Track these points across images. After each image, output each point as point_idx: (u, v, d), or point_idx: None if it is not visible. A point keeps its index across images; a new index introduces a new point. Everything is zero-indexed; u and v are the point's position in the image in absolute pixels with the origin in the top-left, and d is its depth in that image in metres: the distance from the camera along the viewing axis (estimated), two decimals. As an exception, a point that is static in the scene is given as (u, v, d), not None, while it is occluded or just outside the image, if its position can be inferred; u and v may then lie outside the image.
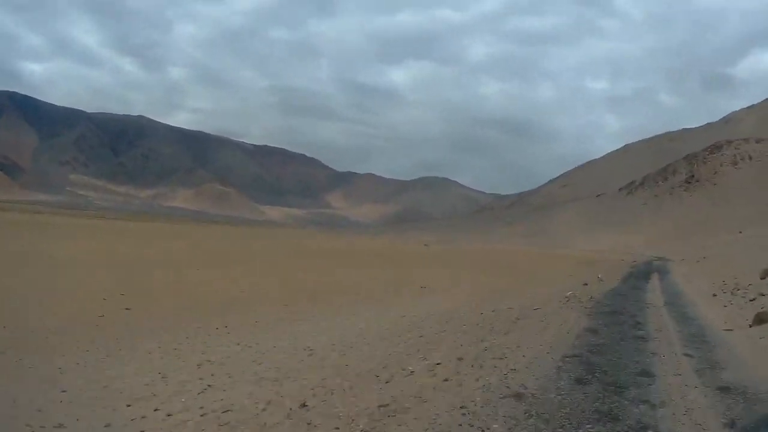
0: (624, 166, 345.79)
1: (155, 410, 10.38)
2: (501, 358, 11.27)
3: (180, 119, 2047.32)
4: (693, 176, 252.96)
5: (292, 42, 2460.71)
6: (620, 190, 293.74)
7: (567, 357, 11.07)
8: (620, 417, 7.75)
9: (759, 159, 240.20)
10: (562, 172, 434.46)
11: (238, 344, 16.03)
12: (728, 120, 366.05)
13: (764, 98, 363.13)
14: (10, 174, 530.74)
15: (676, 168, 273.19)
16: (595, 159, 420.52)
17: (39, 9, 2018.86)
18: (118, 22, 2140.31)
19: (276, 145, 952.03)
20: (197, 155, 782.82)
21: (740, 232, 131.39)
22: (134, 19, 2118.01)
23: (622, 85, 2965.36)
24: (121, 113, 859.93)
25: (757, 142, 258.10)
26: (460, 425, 7.54)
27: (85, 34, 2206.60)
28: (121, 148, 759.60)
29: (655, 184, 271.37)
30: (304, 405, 9.64)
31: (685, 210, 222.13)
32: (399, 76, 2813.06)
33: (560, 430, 7.34)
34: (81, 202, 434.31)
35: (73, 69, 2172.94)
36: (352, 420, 8.43)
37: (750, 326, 15.18)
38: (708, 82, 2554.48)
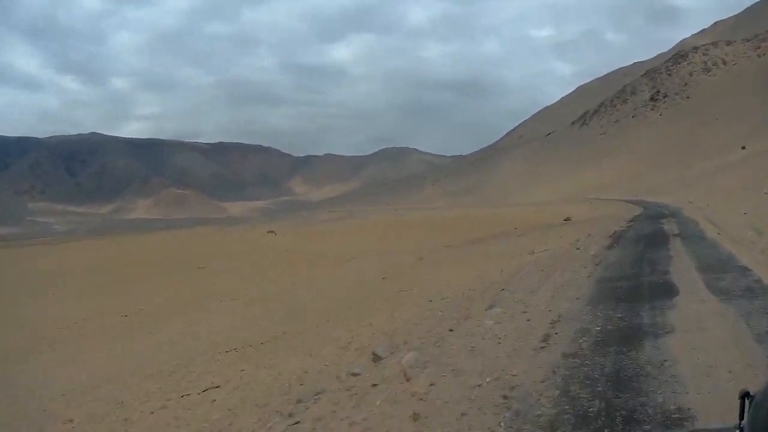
0: (580, 106, 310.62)
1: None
2: None
3: (132, 129, 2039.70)
4: (658, 92, 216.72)
5: (230, 34, 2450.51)
6: (572, 123, 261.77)
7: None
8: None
9: (735, 62, 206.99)
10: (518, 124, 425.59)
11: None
12: (680, 48, 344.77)
13: (713, 22, 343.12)
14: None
15: (636, 86, 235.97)
16: (549, 105, 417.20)
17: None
18: (54, 42, 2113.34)
19: (231, 141, 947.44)
20: (151, 163, 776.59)
21: (743, 148, 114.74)
22: (69, 36, 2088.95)
23: (567, 29, 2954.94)
24: (74, 133, 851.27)
25: (728, 44, 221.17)
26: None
27: (24, 58, 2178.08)
28: (76, 169, 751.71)
29: (612, 108, 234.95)
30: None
31: (656, 133, 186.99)
32: (342, 52, 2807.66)
33: None
34: (41, 230, 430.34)
35: (17, 96, 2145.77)
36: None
37: None
38: (652, 15, 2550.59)
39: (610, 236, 27.24)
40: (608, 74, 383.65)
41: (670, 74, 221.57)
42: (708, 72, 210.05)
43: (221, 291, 30.43)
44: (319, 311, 20.90)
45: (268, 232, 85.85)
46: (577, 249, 23.47)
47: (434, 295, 18.63)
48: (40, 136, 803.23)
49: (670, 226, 29.75)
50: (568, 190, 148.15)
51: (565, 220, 52.97)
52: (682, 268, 15.57)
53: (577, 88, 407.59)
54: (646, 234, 27.50)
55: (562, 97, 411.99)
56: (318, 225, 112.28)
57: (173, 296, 30.68)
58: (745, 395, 2.91)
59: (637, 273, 15.54)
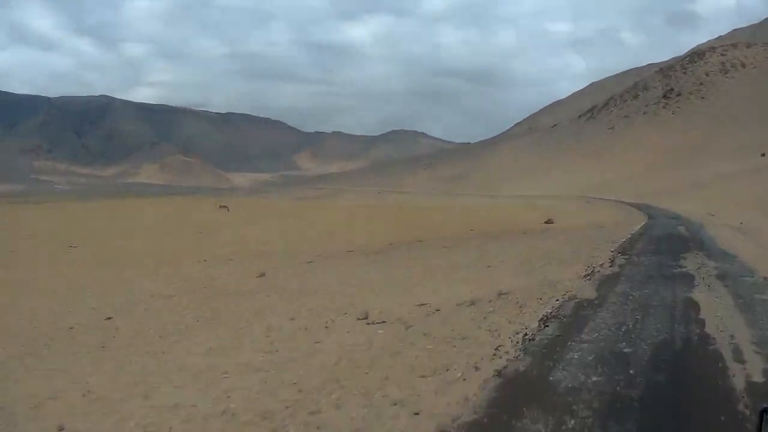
0: (590, 101, 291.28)
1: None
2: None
3: (142, 95, 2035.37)
4: (672, 89, 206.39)
5: (247, 7, 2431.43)
6: (579, 117, 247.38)
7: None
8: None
9: (754, 65, 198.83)
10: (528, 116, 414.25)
11: None
12: (695, 52, 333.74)
13: (731, 29, 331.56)
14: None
15: (648, 83, 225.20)
16: (561, 99, 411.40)
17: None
18: (70, 3, 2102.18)
19: (240, 112, 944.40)
20: (160, 129, 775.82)
21: (763, 155, 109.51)
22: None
23: (585, 26, 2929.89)
24: (84, 95, 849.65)
25: (748, 47, 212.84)
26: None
27: (39, 19, 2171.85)
28: (85, 130, 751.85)
29: (623, 102, 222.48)
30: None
31: (667, 131, 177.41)
32: (357, 32, 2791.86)
33: None
34: (43, 189, 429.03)
35: (30, 55, 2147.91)
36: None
37: None
38: (671, 18, 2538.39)
39: (585, 277, 17.01)
40: (622, 72, 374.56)
41: (685, 72, 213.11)
42: (725, 73, 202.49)
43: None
44: None
45: (219, 207, 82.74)
46: (488, 315, 12.64)
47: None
48: (50, 96, 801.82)
49: (704, 278, 16.55)
50: (567, 185, 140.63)
51: (545, 222, 46.78)
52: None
53: (589, 84, 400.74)
54: (658, 294, 14.33)
55: (574, 92, 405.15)
56: (286, 203, 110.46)
57: None
58: (764, 410, 3.33)
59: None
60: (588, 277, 16.93)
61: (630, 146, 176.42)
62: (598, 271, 18.01)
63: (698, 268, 18.39)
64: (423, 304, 15.13)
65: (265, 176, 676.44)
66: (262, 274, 24.02)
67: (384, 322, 13.55)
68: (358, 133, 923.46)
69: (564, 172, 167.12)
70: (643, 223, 40.19)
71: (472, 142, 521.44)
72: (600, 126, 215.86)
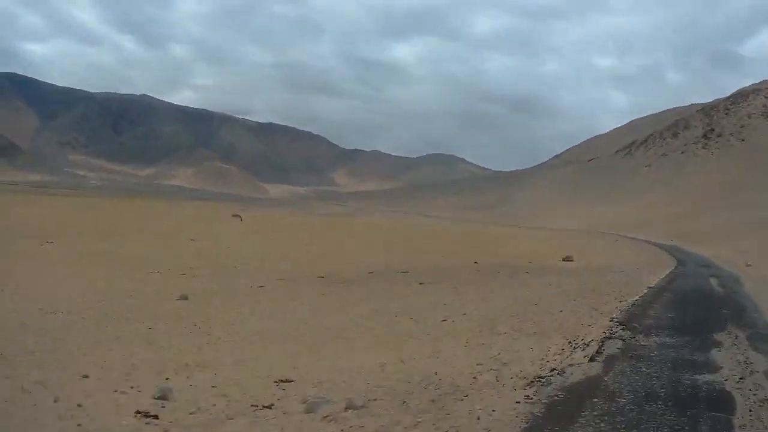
0: (630, 137, 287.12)
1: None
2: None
3: (184, 97, 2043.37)
4: (712, 130, 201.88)
5: (295, 17, 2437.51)
6: (617, 152, 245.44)
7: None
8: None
9: None
10: (567, 149, 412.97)
11: None
12: (739, 93, 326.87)
13: None
14: (9, 155, 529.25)
15: (689, 121, 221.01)
16: (600, 134, 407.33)
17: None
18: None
19: (281, 122, 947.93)
20: (199, 133, 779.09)
21: None
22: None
23: (629, 61, 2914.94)
24: (125, 92, 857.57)
25: None
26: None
27: (84, 12, 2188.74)
28: (123, 128, 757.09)
29: (662, 140, 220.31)
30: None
31: (705, 172, 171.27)
32: (403, 51, 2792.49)
33: None
34: (77, 182, 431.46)
35: (73, 48, 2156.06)
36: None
37: None
38: (715, 59, 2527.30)
39: (533, 384, 10.44)
40: (663, 111, 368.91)
41: (727, 113, 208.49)
42: None
43: None
44: None
45: (233, 215, 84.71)
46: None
47: None
48: (91, 90, 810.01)
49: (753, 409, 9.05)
50: (599, 221, 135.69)
51: (564, 260, 41.53)
52: None
53: (629, 122, 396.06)
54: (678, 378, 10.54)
55: (614, 128, 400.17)
56: (303, 217, 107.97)
57: None
58: None
59: None
60: (541, 383, 10.22)
61: (666, 185, 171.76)
62: (568, 368, 11.23)
63: (741, 380, 10.47)
64: (283, 381, 10.91)
65: (301, 189, 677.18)
66: (185, 297, 21.55)
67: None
68: (396, 153, 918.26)
69: (597, 208, 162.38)
70: (670, 270, 34.50)
71: (506, 170, 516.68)
72: (637, 163, 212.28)
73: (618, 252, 55.13)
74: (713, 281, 28.85)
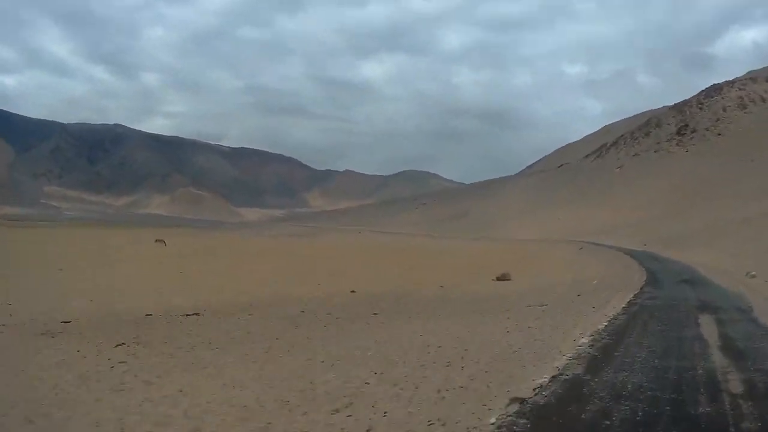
0: (602, 142, 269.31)
1: None
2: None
3: (156, 125, 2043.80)
4: (686, 126, 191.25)
5: (263, 41, 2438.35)
6: (587, 156, 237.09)
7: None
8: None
9: None
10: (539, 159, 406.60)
11: None
12: (712, 87, 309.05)
13: (747, 71, 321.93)
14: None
15: (660, 119, 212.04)
16: (574, 141, 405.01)
17: (7, 20, 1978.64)
18: (87, 30, 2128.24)
19: (254, 147, 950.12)
20: (173, 160, 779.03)
21: None
22: (103, 26, 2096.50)
23: (600, 68, 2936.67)
24: (98, 122, 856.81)
25: None
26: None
27: (55, 43, 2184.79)
28: (98, 158, 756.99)
29: (633, 141, 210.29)
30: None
31: (681, 170, 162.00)
32: (372, 69, 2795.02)
33: None
34: (51, 214, 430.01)
35: (45, 80, 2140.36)
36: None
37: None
38: (687, 61, 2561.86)
39: None
40: (636, 115, 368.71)
41: (701, 108, 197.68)
42: (744, 108, 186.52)
43: None
44: None
45: (156, 240, 79.32)
46: None
47: None
48: (64, 122, 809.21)
49: None
50: (566, 227, 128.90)
51: (497, 279, 33.58)
52: None
53: (603, 126, 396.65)
54: None
55: (587, 135, 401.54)
56: (249, 241, 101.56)
57: None
58: None
59: None
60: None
61: (639, 187, 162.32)
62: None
63: None
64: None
65: (276, 212, 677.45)
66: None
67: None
68: (370, 171, 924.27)
69: (567, 214, 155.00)
70: (631, 295, 22.03)
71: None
72: (608, 164, 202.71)
73: (579, 265, 44.94)
74: (706, 323, 15.55)
